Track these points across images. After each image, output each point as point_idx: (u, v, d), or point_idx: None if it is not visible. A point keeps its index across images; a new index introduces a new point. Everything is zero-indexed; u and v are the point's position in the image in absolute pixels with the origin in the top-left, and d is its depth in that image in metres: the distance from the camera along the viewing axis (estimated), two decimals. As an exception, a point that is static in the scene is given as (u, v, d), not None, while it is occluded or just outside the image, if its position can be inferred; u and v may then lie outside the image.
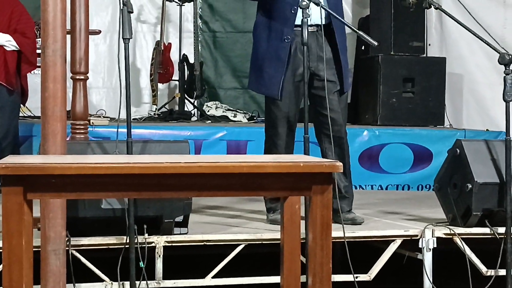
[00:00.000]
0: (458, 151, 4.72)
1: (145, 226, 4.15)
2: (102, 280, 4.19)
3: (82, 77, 4.52)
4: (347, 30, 4.88)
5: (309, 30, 4.43)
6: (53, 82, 3.60)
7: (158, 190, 2.84)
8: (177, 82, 8.55)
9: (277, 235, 3.47)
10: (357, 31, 4.50)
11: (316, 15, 4.62)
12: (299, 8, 4.40)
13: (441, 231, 4.65)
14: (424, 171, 7.26)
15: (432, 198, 5.29)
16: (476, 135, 7.28)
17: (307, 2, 4.30)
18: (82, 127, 4.57)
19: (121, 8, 3.91)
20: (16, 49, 6.24)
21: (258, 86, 4.86)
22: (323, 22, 4.69)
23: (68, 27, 4.03)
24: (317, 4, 4.34)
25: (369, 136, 7.28)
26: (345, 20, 4.56)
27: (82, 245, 4.14)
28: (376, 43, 4.48)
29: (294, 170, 2.87)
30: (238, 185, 2.88)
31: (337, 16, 4.58)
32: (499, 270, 4.57)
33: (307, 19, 4.28)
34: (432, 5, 4.79)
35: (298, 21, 4.60)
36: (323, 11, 4.58)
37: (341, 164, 2.88)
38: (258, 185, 2.90)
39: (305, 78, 4.37)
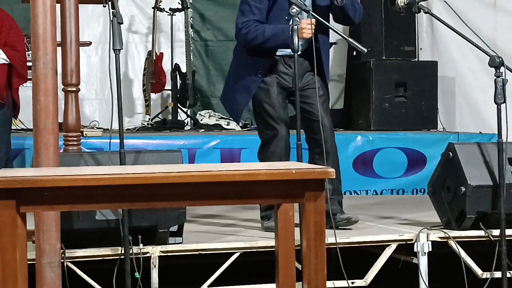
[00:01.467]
0: (451, 154, 4.73)
1: (139, 237, 4.15)
2: (98, 292, 4.19)
3: (74, 89, 4.51)
4: (337, 37, 4.91)
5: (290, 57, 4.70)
6: (44, 95, 3.61)
7: (151, 200, 2.85)
8: (169, 92, 8.56)
9: (272, 243, 3.48)
10: (347, 38, 4.52)
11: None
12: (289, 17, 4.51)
13: (436, 235, 4.66)
14: (418, 175, 7.26)
15: (426, 202, 5.29)
16: (469, 138, 7.29)
17: (297, 9, 4.33)
18: (74, 139, 4.56)
19: (111, 19, 3.92)
20: (6, 63, 6.23)
21: (226, 105, 5.14)
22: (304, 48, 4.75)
23: (59, 39, 4.04)
24: (307, 11, 4.36)
25: (362, 142, 7.29)
26: (334, 27, 4.56)
27: (77, 257, 4.13)
28: (365, 50, 4.50)
29: (287, 177, 2.87)
30: (231, 193, 2.89)
31: (328, 24, 4.62)
32: (494, 272, 4.58)
33: (297, 27, 4.31)
34: (421, 10, 4.80)
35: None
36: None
37: (333, 170, 2.89)
38: (251, 193, 2.91)
39: (297, 85, 4.40)
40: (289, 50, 4.51)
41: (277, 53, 4.89)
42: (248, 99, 4.92)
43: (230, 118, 8.45)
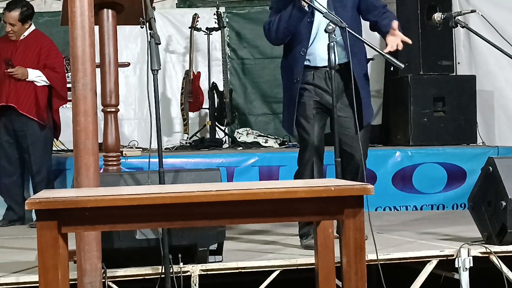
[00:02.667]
0: (491, 168, 4.69)
1: (180, 255, 4.16)
2: (139, 311, 4.21)
3: (113, 110, 4.57)
4: (374, 53, 4.89)
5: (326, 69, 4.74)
6: (84, 116, 3.64)
7: (190, 219, 2.86)
8: (207, 110, 8.60)
9: (312, 260, 3.47)
10: (384, 53, 4.50)
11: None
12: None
13: (477, 250, 4.61)
14: (458, 190, 7.21)
15: (467, 217, 5.25)
16: (509, 152, 7.22)
17: (333, 26, 4.33)
18: (114, 159, 4.61)
19: (149, 40, 3.95)
20: (46, 84, 6.32)
21: (283, 124, 5.14)
22: (341, 62, 4.76)
23: (98, 60, 4.08)
24: (343, 28, 4.36)
25: (401, 157, 7.26)
26: (371, 43, 4.55)
27: (118, 276, 4.15)
28: (403, 66, 4.48)
29: (326, 194, 2.87)
30: (270, 211, 2.89)
31: (364, 40, 4.61)
32: (537, 287, 4.52)
33: (333, 43, 4.31)
34: (458, 24, 4.79)
35: (306, 62, 4.87)
36: (340, 51, 4.69)
37: (372, 187, 2.88)
38: (290, 211, 2.91)
39: (334, 102, 4.40)
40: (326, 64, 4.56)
41: (316, 64, 4.89)
42: (294, 109, 4.90)
43: (268, 135, 8.47)
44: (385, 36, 4.80)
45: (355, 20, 4.89)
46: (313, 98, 4.91)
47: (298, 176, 4.93)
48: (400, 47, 4.68)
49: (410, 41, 4.66)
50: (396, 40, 4.69)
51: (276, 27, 4.84)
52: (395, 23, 4.73)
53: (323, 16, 4.43)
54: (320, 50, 4.81)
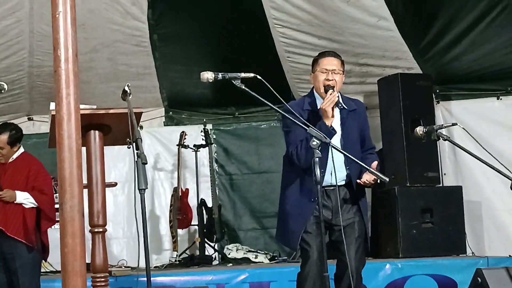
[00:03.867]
0: (480, 280, 4.70)
1: None
2: None
3: (101, 230, 4.56)
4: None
5: (331, 188, 4.96)
6: (71, 238, 3.63)
7: None
8: (196, 227, 8.59)
9: None
10: (369, 168, 4.57)
11: (340, 178, 4.95)
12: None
13: None
14: (450, 301, 7.17)
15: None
16: (499, 262, 7.20)
17: (318, 142, 4.40)
18: (102, 279, 4.57)
19: (136, 160, 4.00)
20: (34, 206, 6.32)
21: (282, 238, 5.23)
22: (343, 183, 5.02)
23: (85, 181, 4.11)
24: (327, 144, 4.43)
25: (391, 270, 7.23)
26: (355, 159, 4.62)
27: None
28: (387, 179, 4.54)
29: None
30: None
31: (350, 156, 4.68)
32: None
33: (317, 159, 4.38)
34: (441, 137, 4.87)
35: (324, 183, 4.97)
36: (345, 174, 4.98)
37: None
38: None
39: (321, 217, 4.45)
40: (330, 182, 4.91)
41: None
42: (304, 225, 5.00)
43: (258, 251, 8.45)
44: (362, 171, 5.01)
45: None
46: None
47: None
48: (369, 183, 4.95)
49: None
50: (370, 177, 4.91)
51: (298, 157, 4.98)
52: (374, 164, 4.93)
53: (307, 132, 4.52)
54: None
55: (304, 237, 4.98)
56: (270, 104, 4.82)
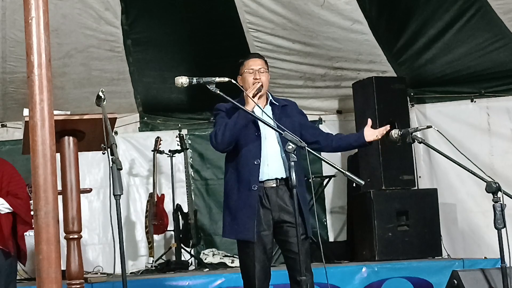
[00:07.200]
0: (456, 282, 4.72)
1: None
2: None
3: (76, 236, 4.53)
4: (335, 170, 4.97)
5: (270, 184, 5.01)
6: (46, 244, 3.61)
7: None
8: (172, 232, 8.57)
9: None
10: (344, 172, 4.56)
11: (276, 169, 5.04)
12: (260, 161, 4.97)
13: None
14: (426, 304, 7.20)
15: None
16: (474, 264, 7.24)
17: (293, 146, 4.39)
18: (78, 286, 4.54)
19: (111, 166, 3.98)
20: (10, 211, 6.28)
21: (233, 232, 5.16)
22: (283, 176, 5.05)
23: (60, 187, 4.08)
24: (303, 148, 4.42)
25: (368, 273, 7.25)
26: (330, 161, 4.62)
27: None
28: (363, 182, 4.53)
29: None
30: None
31: (324, 159, 4.69)
32: None
33: (292, 163, 4.38)
34: (415, 140, 4.88)
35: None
36: (282, 165, 5.02)
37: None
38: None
39: (297, 220, 4.43)
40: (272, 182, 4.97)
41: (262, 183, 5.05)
42: (254, 214, 5.00)
43: (235, 255, 8.44)
44: (362, 134, 5.13)
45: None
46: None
47: None
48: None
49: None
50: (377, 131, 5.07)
51: (224, 131, 5.04)
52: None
53: (283, 136, 4.52)
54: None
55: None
56: (245, 109, 4.86)
